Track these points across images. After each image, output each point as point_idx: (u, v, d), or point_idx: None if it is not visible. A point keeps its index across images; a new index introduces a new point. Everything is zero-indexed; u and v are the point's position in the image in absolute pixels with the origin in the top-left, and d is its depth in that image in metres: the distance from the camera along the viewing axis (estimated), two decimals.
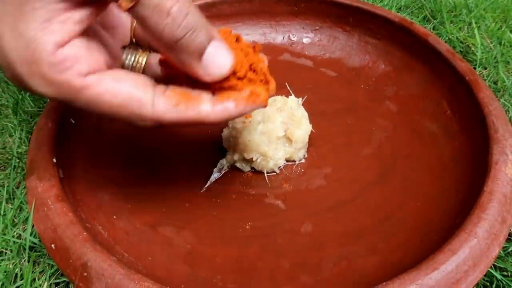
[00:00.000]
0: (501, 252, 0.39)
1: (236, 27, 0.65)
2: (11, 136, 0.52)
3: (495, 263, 0.38)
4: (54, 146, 0.41)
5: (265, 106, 0.33)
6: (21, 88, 0.31)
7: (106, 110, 0.30)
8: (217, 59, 0.29)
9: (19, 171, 0.48)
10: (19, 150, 0.50)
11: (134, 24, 0.35)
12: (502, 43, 0.65)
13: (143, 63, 0.35)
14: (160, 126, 0.32)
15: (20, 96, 0.57)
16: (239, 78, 0.31)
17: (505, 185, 0.37)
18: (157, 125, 0.31)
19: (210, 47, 0.29)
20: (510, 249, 0.39)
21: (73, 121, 0.47)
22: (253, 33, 0.66)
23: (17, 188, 0.46)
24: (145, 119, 0.30)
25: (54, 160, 0.40)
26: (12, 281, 0.38)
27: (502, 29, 0.68)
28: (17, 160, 0.49)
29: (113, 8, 0.35)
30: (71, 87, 0.28)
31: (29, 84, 0.28)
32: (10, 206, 0.44)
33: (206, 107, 0.31)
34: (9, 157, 0.50)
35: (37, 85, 0.28)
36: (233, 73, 0.31)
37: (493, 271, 0.37)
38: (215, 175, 0.47)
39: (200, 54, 0.29)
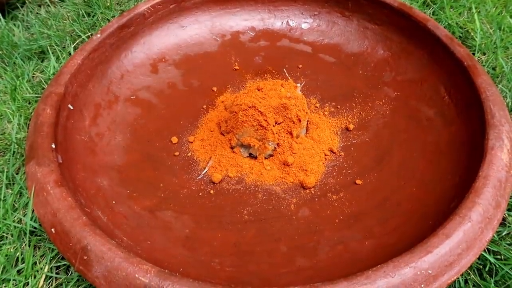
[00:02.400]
0: (495, 236, 0.39)
1: (234, 12, 0.65)
2: (9, 122, 0.52)
3: (489, 247, 0.38)
4: (52, 132, 0.42)
5: None
6: None
7: None
8: None
9: (18, 156, 0.48)
10: (18, 136, 0.50)
11: None
12: (502, 28, 0.64)
13: None
14: None
15: (18, 82, 0.57)
16: None
17: (500, 170, 0.37)
18: None
19: None
20: (504, 233, 0.39)
21: (71, 107, 0.47)
22: (252, 19, 0.65)
23: (17, 173, 0.47)
24: None
25: (53, 145, 0.41)
26: (14, 264, 0.39)
27: (502, 14, 0.67)
28: (16, 146, 0.49)
29: None
30: None
31: None
32: (10, 191, 0.45)
33: None
34: (8, 143, 0.50)
35: None
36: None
37: (486, 255, 0.37)
38: (212, 162, 0.48)
39: None
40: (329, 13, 0.64)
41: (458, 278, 0.36)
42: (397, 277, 0.30)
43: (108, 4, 0.72)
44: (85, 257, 0.33)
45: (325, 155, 0.48)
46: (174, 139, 0.50)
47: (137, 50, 0.58)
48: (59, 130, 0.43)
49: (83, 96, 0.50)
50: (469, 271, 0.37)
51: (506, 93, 0.53)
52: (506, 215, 0.41)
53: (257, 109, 0.46)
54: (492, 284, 0.36)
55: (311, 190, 0.45)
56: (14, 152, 0.48)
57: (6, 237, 0.41)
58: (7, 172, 0.46)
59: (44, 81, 0.58)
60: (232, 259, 0.39)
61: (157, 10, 0.59)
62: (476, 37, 0.62)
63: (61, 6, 0.75)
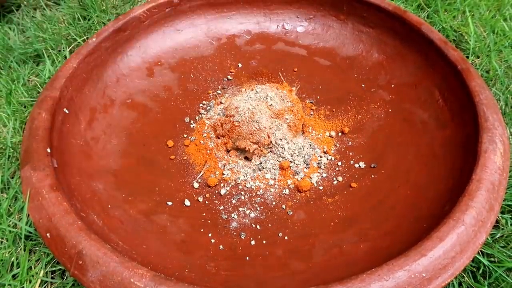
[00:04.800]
0: (489, 238, 0.39)
1: (230, 16, 0.65)
2: (5, 126, 0.52)
3: (482, 250, 0.39)
4: (48, 136, 0.42)
5: None
6: None
7: None
8: None
9: (13, 161, 0.48)
10: (13, 140, 0.50)
11: None
12: (496, 31, 0.65)
13: None
14: None
15: (13, 86, 0.56)
16: None
17: (494, 173, 0.38)
18: None
19: None
20: (497, 236, 0.40)
21: (66, 111, 0.47)
22: (247, 22, 0.65)
23: (12, 178, 0.47)
24: None
25: (48, 150, 0.41)
26: (9, 269, 0.39)
27: (496, 17, 0.68)
28: (12, 150, 0.49)
29: None
30: None
31: None
32: (5, 196, 0.45)
33: None
34: (3, 147, 0.50)
35: None
36: None
37: (480, 257, 0.38)
38: (208, 166, 0.48)
39: None
40: (324, 16, 0.64)
41: (452, 281, 0.37)
42: (391, 280, 0.30)
43: (104, 7, 0.72)
44: (80, 262, 0.33)
45: (321, 158, 0.48)
46: (170, 143, 0.50)
47: (133, 54, 0.58)
48: (55, 134, 0.43)
49: (79, 100, 0.50)
50: (463, 273, 0.38)
51: (500, 96, 0.54)
52: (500, 217, 0.41)
53: (253, 113, 0.46)
54: (486, 287, 0.36)
55: (307, 193, 0.45)
56: (9, 156, 0.48)
57: (1, 242, 0.41)
58: (2, 176, 0.46)
59: (40, 85, 0.58)
60: (227, 262, 0.39)
61: (152, 14, 0.60)
62: (470, 40, 0.63)
63: (56, 10, 0.75)
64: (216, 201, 0.45)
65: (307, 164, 0.47)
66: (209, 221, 0.43)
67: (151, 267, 0.34)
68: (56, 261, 0.40)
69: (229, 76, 0.60)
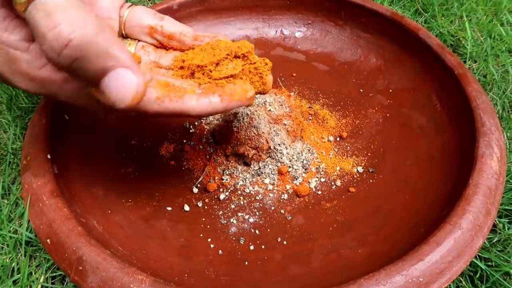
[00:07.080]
0: (486, 242, 0.40)
1: (229, 22, 0.66)
2: (5, 132, 0.53)
3: (480, 254, 0.39)
4: (48, 142, 0.42)
5: (250, 104, 0.34)
6: (8, 85, 0.32)
7: (89, 103, 0.30)
8: (116, 89, 0.26)
9: (14, 167, 0.48)
10: (14, 146, 0.50)
11: (125, 17, 0.36)
12: (493, 36, 0.65)
13: (131, 51, 0.36)
14: (145, 116, 0.31)
15: (14, 92, 0.57)
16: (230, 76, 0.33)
17: (490, 178, 0.38)
18: (142, 116, 0.31)
19: (107, 77, 0.26)
20: (494, 240, 0.40)
21: (67, 117, 0.47)
22: (246, 28, 0.66)
23: (13, 184, 0.47)
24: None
25: (49, 156, 0.41)
26: (9, 275, 0.39)
27: (493, 22, 0.68)
28: (12, 156, 0.49)
29: (99, 1, 0.35)
30: (52, 82, 0.29)
31: (12, 82, 0.29)
32: (6, 201, 0.45)
33: (190, 101, 0.31)
34: (4, 153, 0.50)
35: (19, 82, 0.29)
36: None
37: (477, 262, 0.38)
38: (207, 171, 0.48)
39: (95, 83, 0.26)
40: (323, 22, 0.64)
41: (450, 285, 0.37)
42: (388, 285, 0.31)
43: None
44: (80, 268, 0.33)
45: (319, 162, 0.49)
46: (170, 148, 0.51)
47: None
48: (55, 140, 0.44)
49: None
50: (460, 278, 0.38)
51: (497, 100, 0.54)
52: (497, 221, 0.42)
53: (251, 118, 0.46)
54: None
55: (305, 198, 0.45)
56: (10, 162, 0.48)
57: (2, 248, 0.41)
58: (2, 182, 0.46)
59: None
60: (227, 267, 0.39)
61: None
62: (467, 45, 0.63)
63: None
64: (215, 206, 0.45)
65: (305, 169, 0.47)
66: (208, 226, 0.43)
67: (151, 273, 0.34)
68: (56, 266, 0.40)
69: None
